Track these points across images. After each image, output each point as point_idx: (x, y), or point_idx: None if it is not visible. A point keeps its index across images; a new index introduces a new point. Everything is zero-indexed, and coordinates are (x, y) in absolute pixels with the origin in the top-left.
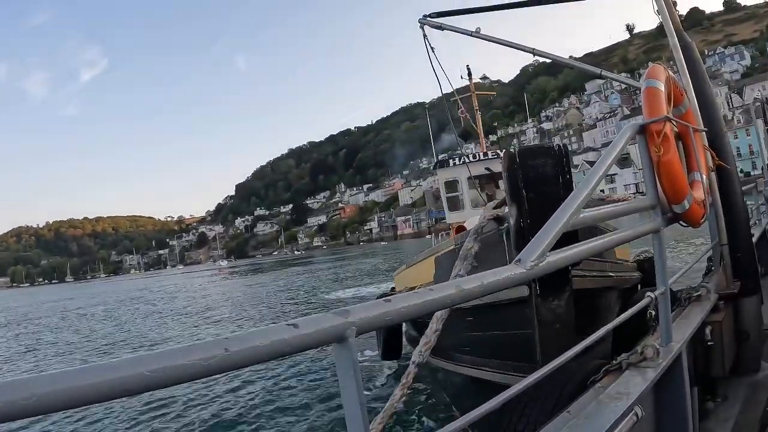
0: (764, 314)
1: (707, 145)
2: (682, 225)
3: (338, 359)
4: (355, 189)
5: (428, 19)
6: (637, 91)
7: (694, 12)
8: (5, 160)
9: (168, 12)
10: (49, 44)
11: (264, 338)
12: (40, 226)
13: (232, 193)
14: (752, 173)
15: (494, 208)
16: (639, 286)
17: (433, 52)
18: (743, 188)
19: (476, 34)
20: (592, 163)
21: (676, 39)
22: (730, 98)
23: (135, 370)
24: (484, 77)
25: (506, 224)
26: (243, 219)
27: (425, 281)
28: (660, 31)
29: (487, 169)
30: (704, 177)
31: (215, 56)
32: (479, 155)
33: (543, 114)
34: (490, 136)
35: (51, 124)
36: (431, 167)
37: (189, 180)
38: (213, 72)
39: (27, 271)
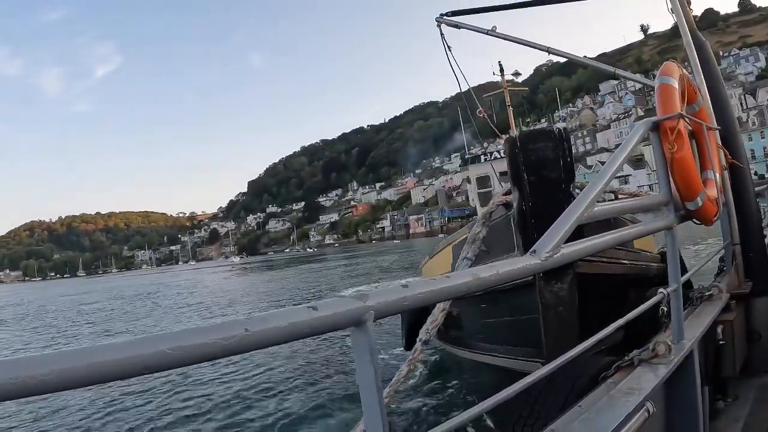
0: None
1: (720, 143)
2: (695, 223)
3: (355, 343)
4: (367, 187)
5: (444, 17)
6: (652, 92)
7: (709, 13)
8: (18, 154)
9: (182, 8)
10: (64, 40)
11: (283, 320)
12: (53, 220)
13: (245, 189)
14: (766, 176)
15: (504, 194)
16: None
17: (450, 50)
18: (756, 189)
19: (492, 33)
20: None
21: (690, 37)
22: (745, 100)
23: (156, 348)
24: (516, 73)
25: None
26: (255, 216)
27: (445, 270)
28: (675, 31)
29: None
30: (717, 175)
31: (228, 53)
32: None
33: (557, 114)
34: (503, 135)
35: (64, 120)
36: (443, 165)
37: (201, 176)
38: (226, 69)
39: (39, 265)
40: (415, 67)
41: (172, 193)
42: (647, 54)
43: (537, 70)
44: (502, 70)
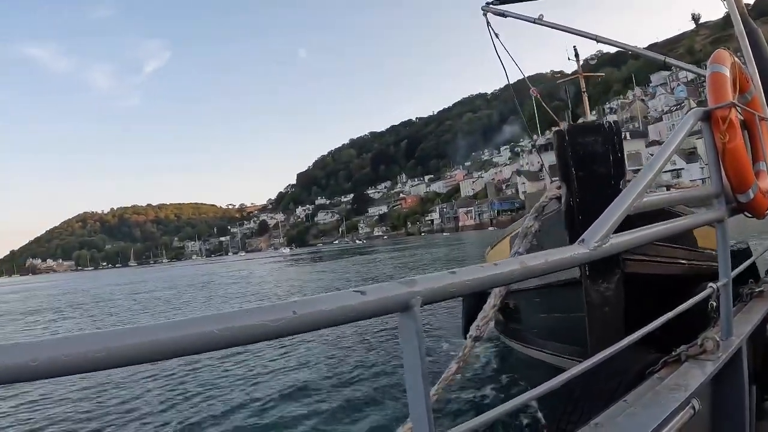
0: None
1: None
2: (746, 216)
3: (402, 328)
4: (416, 180)
5: (491, 6)
6: (704, 83)
7: (762, 2)
8: (72, 148)
9: (229, 3)
10: (113, 37)
11: (331, 303)
12: (105, 212)
13: (294, 181)
14: None
15: (557, 187)
16: None
17: (497, 37)
18: None
19: (539, 21)
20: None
21: (741, 26)
22: None
23: (205, 328)
24: (582, 63)
25: None
26: (304, 208)
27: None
28: (726, 21)
29: None
30: None
31: (276, 48)
32: None
33: (607, 106)
34: (552, 127)
35: (115, 114)
36: (492, 158)
37: (251, 168)
38: (275, 64)
39: (91, 255)
40: (463, 59)
41: (222, 185)
42: (699, 44)
43: (586, 61)
44: (577, 55)
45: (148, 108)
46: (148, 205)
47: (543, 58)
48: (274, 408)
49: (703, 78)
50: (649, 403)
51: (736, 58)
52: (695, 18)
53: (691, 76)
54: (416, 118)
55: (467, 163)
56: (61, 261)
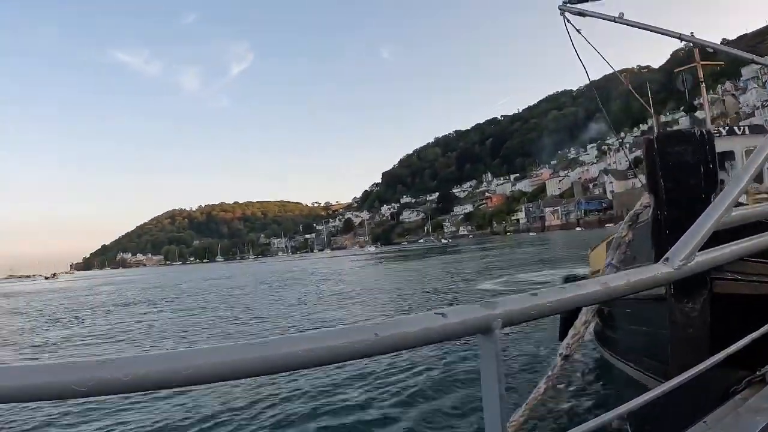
0: None
1: None
2: None
3: (482, 350)
4: (501, 178)
5: (568, 5)
6: None
7: None
8: (162, 148)
9: (309, 5)
10: (199, 41)
11: (413, 326)
12: (193, 209)
13: (379, 180)
14: None
15: None
16: None
17: (579, 32)
18: None
19: (619, 20)
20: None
21: None
22: None
23: (289, 348)
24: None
25: None
26: (389, 206)
27: (602, 265)
28: None
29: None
30: None
31: (359, 47)
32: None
33: (696, 101)
34: (640, 125)
35: (203, 115)
36: (579, 156)
37: (336, 167)
38: (358, 62)
39: (180, 251)
40: (548, 55)
41: (308, 184)
42: None
43: (674, 54)
44: (694, 44)
45: (235, 108)
46: (235, 202)
47: (626, 52)
48: (343, 427)
49: None
50: (730, 426)
51: None
52: None
53: None
54: (501, 116)
55: (553, 162)
56: (150, 255)
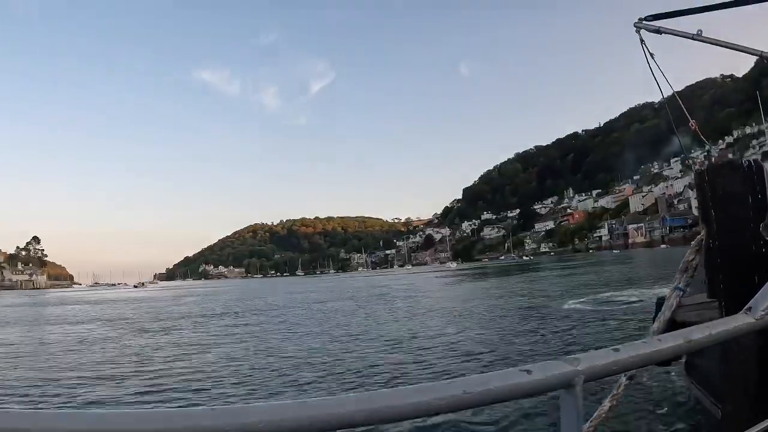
0: None
1: None
2: None
3: (563, 405)
4: (583, 194)
5: (644, 22)
6: None
7: None
8: (244, 164)
9: (387, 22)
10: (280, 60)
11: (499, 382)
12: (275, 223)
13: (459, 196)
14: None
15: None
16: None
17: (652, 57)
18: None
19: (698, 37)
20: None
21: None
22: None
23: (374, 405)
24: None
25: None
26: (470, 222)
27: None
28: None
29: None
30: None
31: (437, 63)
32: None
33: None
34: (725, 137)
35: (284, 132)
36: (663, 171)
37: (416, 183)
38: (436, 79)
39: (261, 264)
40: (627, 67)
41: (388, 200)
42: None
43: (758, 62)
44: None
45: (315, 125)
46: (316, 217)
47: (709, 59)
48: None
49: None
50: None
51: None
52: None
53: None
54: (582, 130)
55: (636, 177)
56: (232, 268)
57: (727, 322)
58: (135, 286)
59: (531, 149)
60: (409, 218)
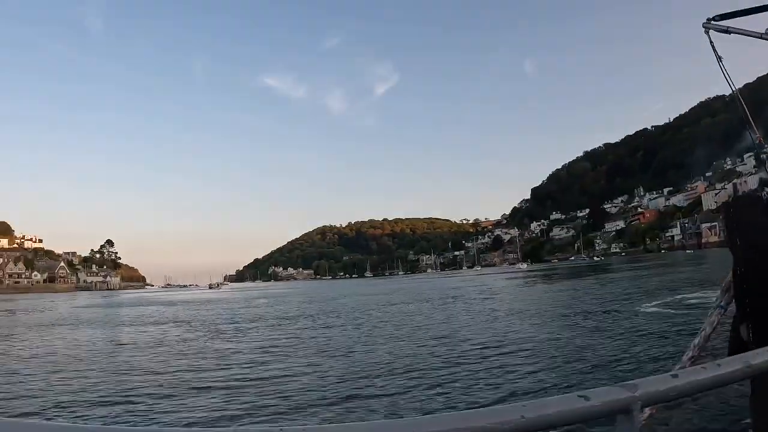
0: None
1: None
2: None
3: (620, 431)
4: (654, 193)
5: (713, 22)
6: None
7: None
8: (313, 167)
9: (451, 20)
10: (344, 63)
11: (557, 407)
12: (343, 225)
13: (528, 196)
14: None
15: None
16: None
17: (720, 60)
18: None
19: (766, 36)
20: None
21: None
22: None
23: (431, 428)
24: None
25: None
26: (538, 223)
27: None
28: None
29: None
30: None
31: (500, 61)
32: None
33: None
34: None
35: (351, 134)
36: (736, 167)
37: (485, 184)
38: (502, 77)
39: (329, 265)
40: (696, 60)
41: (456, 201)
42: None
43: None
44: None
45: (381, 127)
46: (384, 219)
47: None
48: None
49: None
50: None
51: None
52: None
53: None
54: (652, 126)
55: (708, 174)
56: (300, 270)
57: None
58: (210, 287)
59: (599, 147)
60: (477, 219)
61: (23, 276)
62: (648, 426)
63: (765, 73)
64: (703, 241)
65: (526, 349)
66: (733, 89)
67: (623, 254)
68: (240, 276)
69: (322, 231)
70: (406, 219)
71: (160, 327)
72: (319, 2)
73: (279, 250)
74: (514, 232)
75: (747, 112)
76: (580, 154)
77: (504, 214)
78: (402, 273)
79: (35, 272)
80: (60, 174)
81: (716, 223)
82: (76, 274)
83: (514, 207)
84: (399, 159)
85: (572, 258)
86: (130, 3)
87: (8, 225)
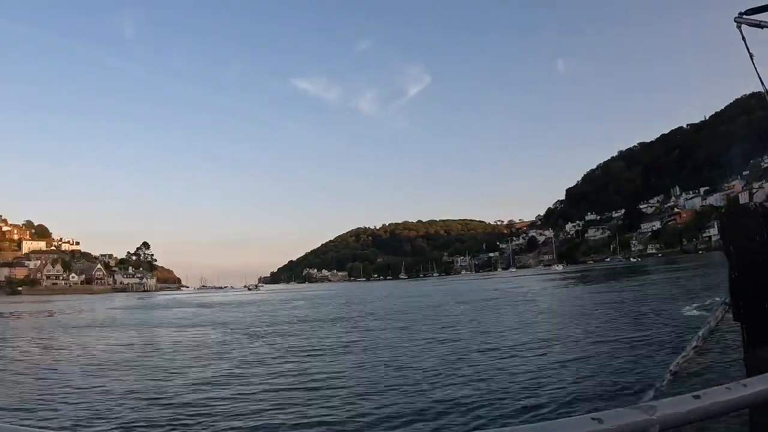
0: None
1: None
2: None
3: None
4: (690, 192)
5: (744, 17)
6: None
7: None
8: (346, 169)
9: (482, 21)
10: (376, 66)
11: (568, 430)
12: (377, 227)
13: (562, 197)
14: None
15: None
16: None
17: (752, 58)
18: None
19: None
20: None
21: None
22: None
23: None
24: None
25: None
26: (573, 224)
27: None
28: None
29: None
30: None
31: (533, 61)
32: None
33: None
34: None
35: (383, 136)
36: None
37: (519, 185)
38: (534, 77)
39: (363, 267)
40: (731, 57)
41: (491, 202)
42: None
43: None
44: None
45: (414, 129)
46: (419, 221)
47: None
48: None
49: None
50: None
51: None
52: None
53: None
54: (687, 124)
55: (745, 172)
56: (335, 271)
57: None
58: (249, 289)
59: (634, 146)
60: (511, 220)
61: (61, 278)
62: None
63: None
64: None
65: (565, 355)
66: (764, 86)
67: (660, 255)
68: (275, 278)
69: (356, 233)
70: (441, 220)
71: (220, 329)
72: (350, 6)
73: (313, 252)
74: (549, 233)
75: None
76: (615, 153)
77: (538, 215)
78: (436, 275)
79: (72, 274)
80: (97, 179)
81: None
82: (113, 275)
83: (549, 208)
84: (433, 160)
85: (608, 259)
86: (166, 18)
87: (45, 227)
